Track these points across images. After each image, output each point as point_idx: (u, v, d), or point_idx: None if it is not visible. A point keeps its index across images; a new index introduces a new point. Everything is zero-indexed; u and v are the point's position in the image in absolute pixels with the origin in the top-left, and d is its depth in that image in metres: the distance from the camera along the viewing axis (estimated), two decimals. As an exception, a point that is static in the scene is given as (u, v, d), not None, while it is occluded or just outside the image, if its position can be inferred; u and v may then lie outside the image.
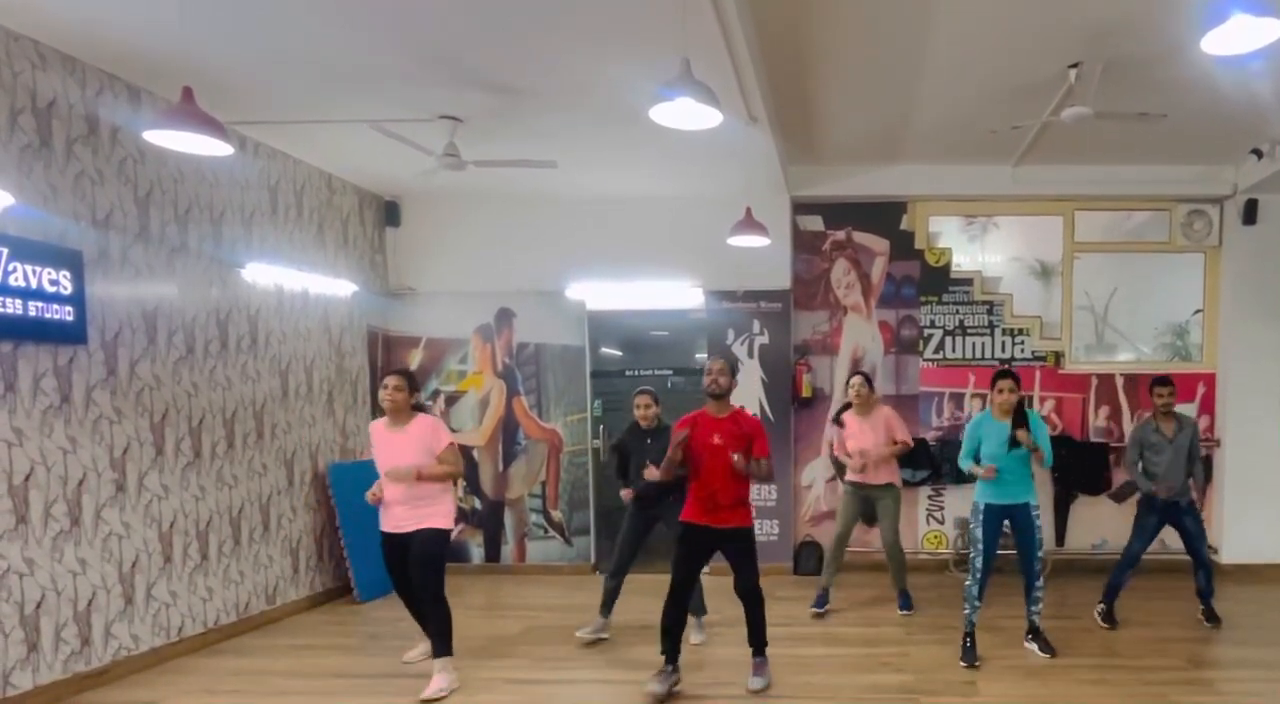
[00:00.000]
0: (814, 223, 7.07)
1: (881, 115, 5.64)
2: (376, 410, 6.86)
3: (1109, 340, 7.17)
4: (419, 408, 4.59)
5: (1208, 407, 7.05)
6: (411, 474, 4.30)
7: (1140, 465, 5.46)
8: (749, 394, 6.78)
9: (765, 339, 6.89)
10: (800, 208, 7.00)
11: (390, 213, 6.94)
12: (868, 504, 5.84)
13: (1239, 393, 6.89)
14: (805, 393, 6.94)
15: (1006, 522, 4.86)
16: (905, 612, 5.86)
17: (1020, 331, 7.07)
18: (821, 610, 5.80)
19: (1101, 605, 5.58)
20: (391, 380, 4.39)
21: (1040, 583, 4.93)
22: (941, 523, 7.09)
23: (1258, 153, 6.19)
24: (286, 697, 4.36)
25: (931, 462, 6.91)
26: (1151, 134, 5.75)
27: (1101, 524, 7.05)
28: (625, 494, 5.17)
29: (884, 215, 7.04)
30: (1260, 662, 4.81)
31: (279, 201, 5.77)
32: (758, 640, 4.52)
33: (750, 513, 4.47)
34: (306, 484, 6.04)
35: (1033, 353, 7.08)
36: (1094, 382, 7.06)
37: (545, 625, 5.53)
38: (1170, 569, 6.90)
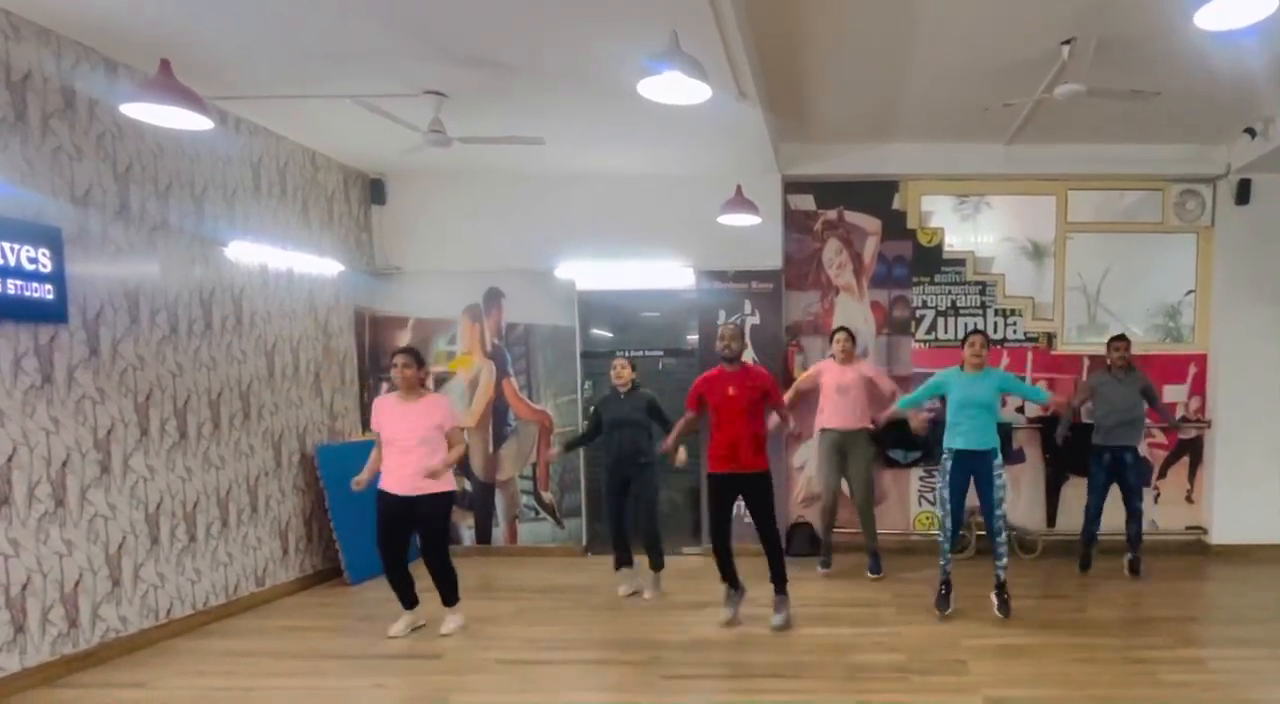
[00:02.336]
0: (805, 202, 7.02)
1: (873, 92, 5.58)
2: (365, 391, 6.86)
3: (1101, 321, 7.15)
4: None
5: (1199, 388, 7.05)
6: (439, 473, 4.74)
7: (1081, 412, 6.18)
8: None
9: (756, 320, 6.85)
10: (791, 186, 6.94)
11: (376, 190, 6.86)
12: (841, 453, 6.10)
13: (1230, 374, 6.89)
14: (797, 374, 6.91)
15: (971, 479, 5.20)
16: (875, 576, 6.04)
17: (1013, 312, 7.05)
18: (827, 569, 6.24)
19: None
20: (401, 358, 4.75)
21: (1002, 539, 5.17)
22: (934, 503, 7.09)
23: (1251, 132, 6.15)
24: (277, 678, 4.34)
25: (924, 442, 6.90)
26: (1145, 113, 5.71)
27: (1092, 505, 7.07)
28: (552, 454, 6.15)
29: (876, 194, 6.99)
30: (1249, 640, 4.82)
31: (262, 178, 5.69)
32: (778, 579, 5.09)
33: (767, 459, 5.03)
34: (295, 466, 6.01)
35: (1025, 334, 7.06)
36: (1086, 363, 7.04)
37: (537, 607, 5.53)
38: (1159, 549, 6.96)
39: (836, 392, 6.10)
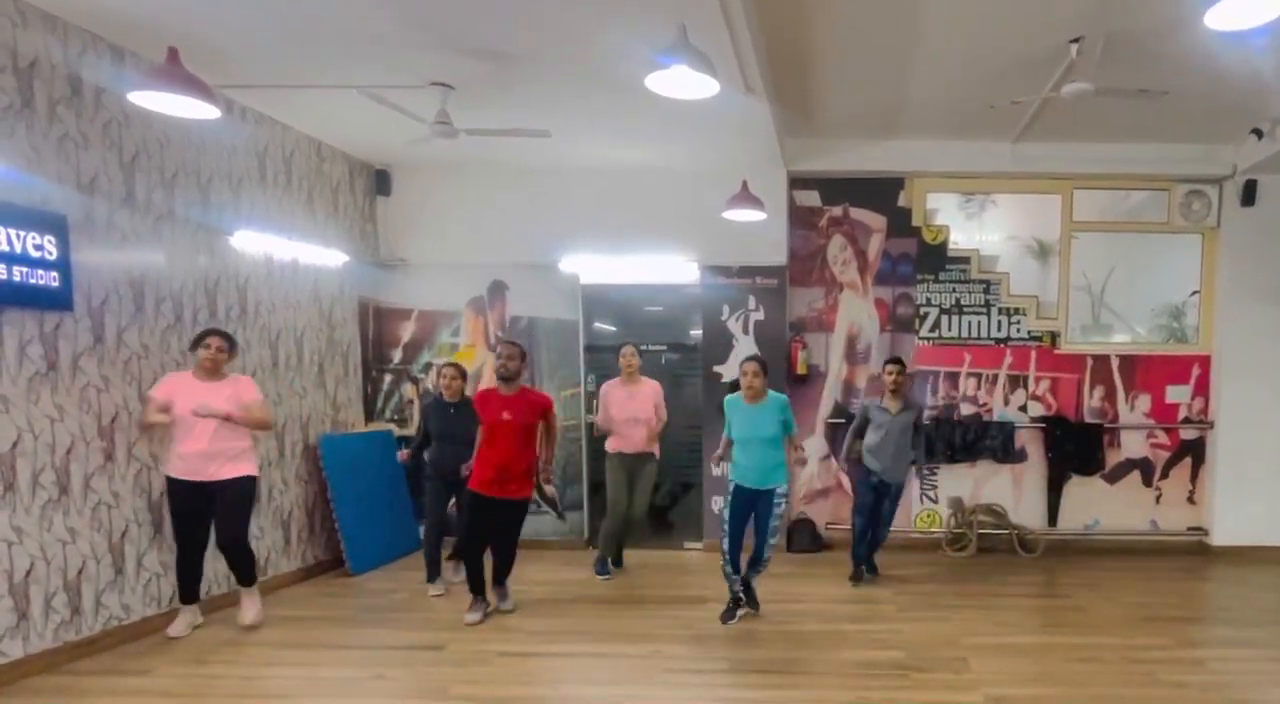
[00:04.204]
0: (811, 198, 7.01)
1: (880, 89, 5.57)
2: (369, 383, 6.86)
3: (1105, 321, 7.14)
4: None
5: (1202, 388, 7.04)
6: (221, 413, 4.54)
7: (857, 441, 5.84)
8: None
9: (760, 315, 6.85)
10: (797, 182, 6.93)
11: (381, 182, 6.84)
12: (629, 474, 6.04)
13: (1234, 375, 6.89)
14: (800, 370, 6.91)
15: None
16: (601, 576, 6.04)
17: (1017, 311, 7.04)
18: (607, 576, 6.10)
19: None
20: (215, 340, 4.63)
21: (762, 568, 5.10)
22: (935, 502, 7.10)
23: (1258, 133, 6.13)
24: (278, 667, 4.35)
25: (924, 441, 6.89)
26: (1151, 113, 5.70)
27: (1094, 505, 7.08)
28: (402, 455, 5.83)
29: (881, 191, 6.98)
30: (1249, 641, 4.83)
31: (267, 168, 5.68)
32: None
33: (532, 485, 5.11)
34: (298, 456, 6.01)
35: (1029, 333, 7.05)
36: (1089, 362, 7.04)
37: (537, 600, 5.54)
38: (1161, 551, 6.97)
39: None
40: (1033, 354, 7.04)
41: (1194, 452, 7.08)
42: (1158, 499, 7.10)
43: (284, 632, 4.87)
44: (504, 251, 6.83)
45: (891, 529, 6.08)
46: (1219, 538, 6.95)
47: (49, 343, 4.17)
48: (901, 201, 7.00)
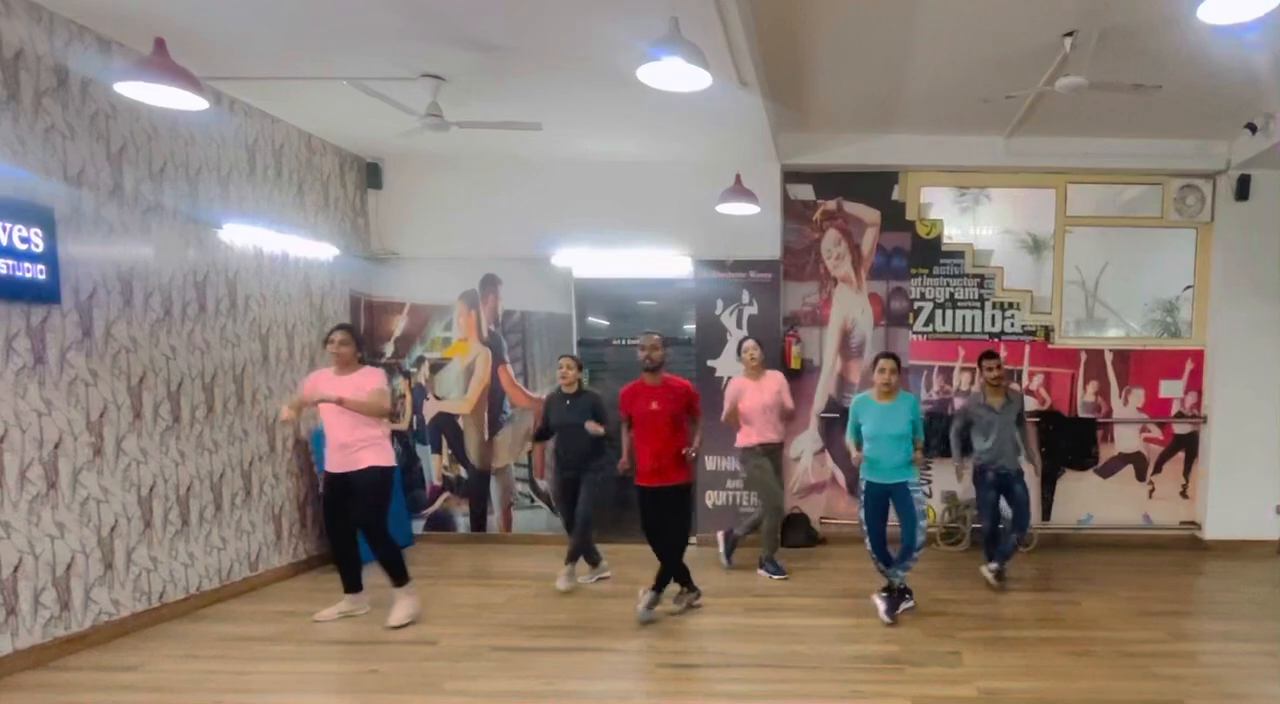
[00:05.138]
0: (804, 192, 6.99)
1: (874, 82, 5.55)
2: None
3: (1099, 316, 7.15)
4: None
5: (1195, 383, 7.05)
6: (332, 397, 4.64)
7: (962, 440, 5.79)
8: (736, 365, 6.73)
9: (754, 310, 6.83)
10: (790, 176, 6.91)
11: (372, 175, 6.81)
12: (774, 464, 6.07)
13: (1227, 370, 6.90)
14: (794, 364, 6.89)
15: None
16: (775, 577, 5.99)
17: (1011, 305, 7.04)
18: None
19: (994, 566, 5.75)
20: (339, 335, 4.75)
21: (915, 558, 5.05)
22: (929, 497, 7.09)
23: (1251, 127, 6.13)
24: (270, 662, 4.33)
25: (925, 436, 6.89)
26: (1145, 107, 5.69)
27: (1088, 499, 7.09)
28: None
29: (875, 185, 6.97)
30: (1241, 635, 4.84)
31: (257, 161, 5.64)
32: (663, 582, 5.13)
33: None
34: (289, 450, 5.98)
35: (1023, 327, 7.05)
36: (1083, 357, 7.05)
37: (531, 594, 5.52)
38: (1155, 545, 6.98)
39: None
40: (1026, 349, 7.04)
41: (1187, 446, 7.09)
42: (1151, 494, 7.11)
43: (276, 626, 4.85)
44: (496, 245, 6.80)
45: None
46: (1211, 532, 6.97)
47: (36, 336, 4.14)
48: (895, 196, 6.98)
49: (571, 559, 5.65)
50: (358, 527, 4.87)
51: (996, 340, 6.98)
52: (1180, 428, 7.08)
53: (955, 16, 4.50)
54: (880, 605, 5.00)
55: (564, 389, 5.60)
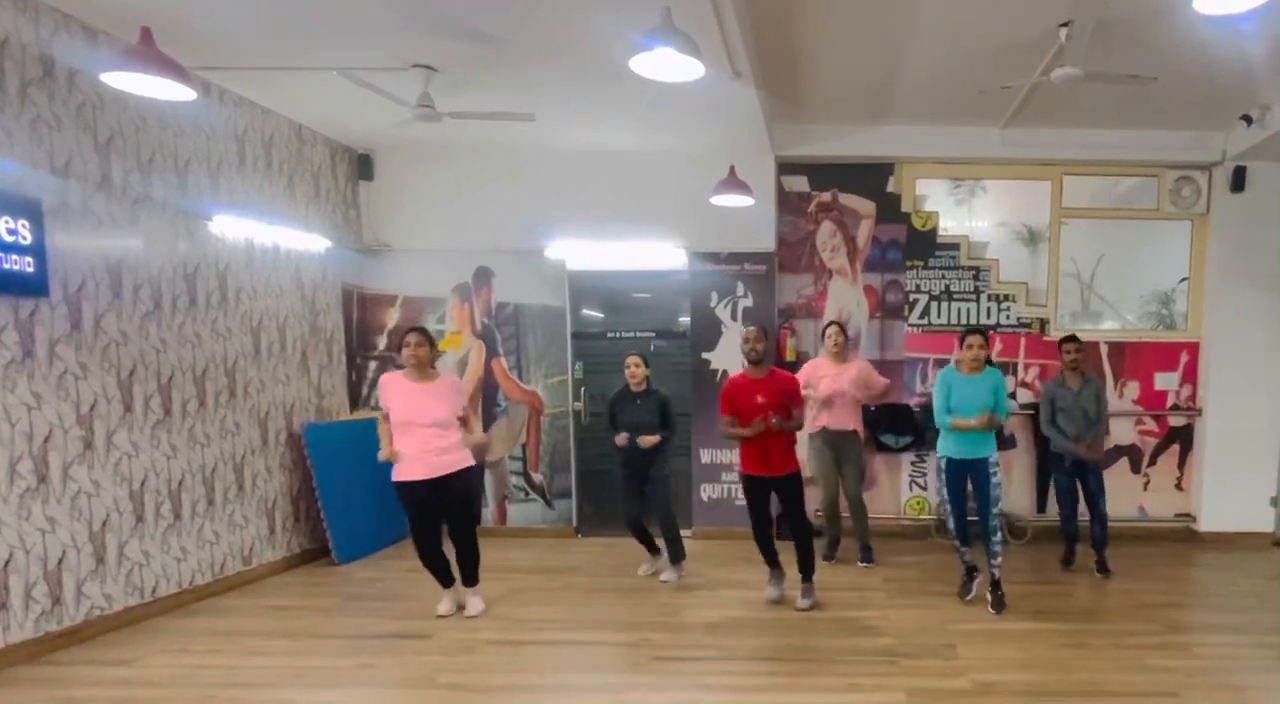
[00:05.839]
0: (799, 184, 6.96)
1: (869, 73, 5.51)
2: (352, 370, 6.80)
3: (1094, 308, 7.14)
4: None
5: (1190, 375, 7.05)
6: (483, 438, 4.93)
7: (1054, 422, 5.84)
8: (731, 357, 6.72)
9: (749, 302, 6.81)
10: (785, 168, 6.88)
11: (363, 166, 6.75)
12: (836, 452, 6.05)
13: (1222, 362, 6.89)
14: (789, 356, 6.87)
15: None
16: (865, 564, 6.06)
17: (1006, 297, 7.02)
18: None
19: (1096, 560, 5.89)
20: (413, 337, 4.65)
21: (998, 538, 5.07)
22: (924, 489, 7.09)
23: (1247, 119, 6.11)
24: (263, 657, 4.32)
25: (915, 427, 6.90)
26: (1141, 98, 5.67)
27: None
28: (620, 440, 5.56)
29: (870, 177, 6.94)
30: (1235, 627, 4.84)
31: (246, 152, 5.59)
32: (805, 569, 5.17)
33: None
34: (281, 444, 5.95)
35: (1018, 319, 7.04)
36: (1078, 349, 7.03)
37: (526, 588, 5.51)
38: (1151, 537, 6.99)
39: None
40: (1022, 341, 7.03)
41: (1182, 439, 7.10)
42: (1146, 486, 7.12)
43: (269, 621, 4.83)
44: (489, 237, 6.77)
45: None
46: (1206, 524, 6.98)
47: (24, 329, 4.10)
48: (891, 187, 6.96)
49: (673, 560, 5.71)
50: (459, 526, 4.90)
51: (992, 332, 6.97)
52: (1175, 420, 7.09)
53: (950, 6, 4.47)
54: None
55: (632, 388, 5.52)
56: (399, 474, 4.69)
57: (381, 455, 4.66)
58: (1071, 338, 5.89)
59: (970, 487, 5.07)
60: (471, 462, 4.87)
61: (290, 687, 3.97)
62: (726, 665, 4.23)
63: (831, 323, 6.15)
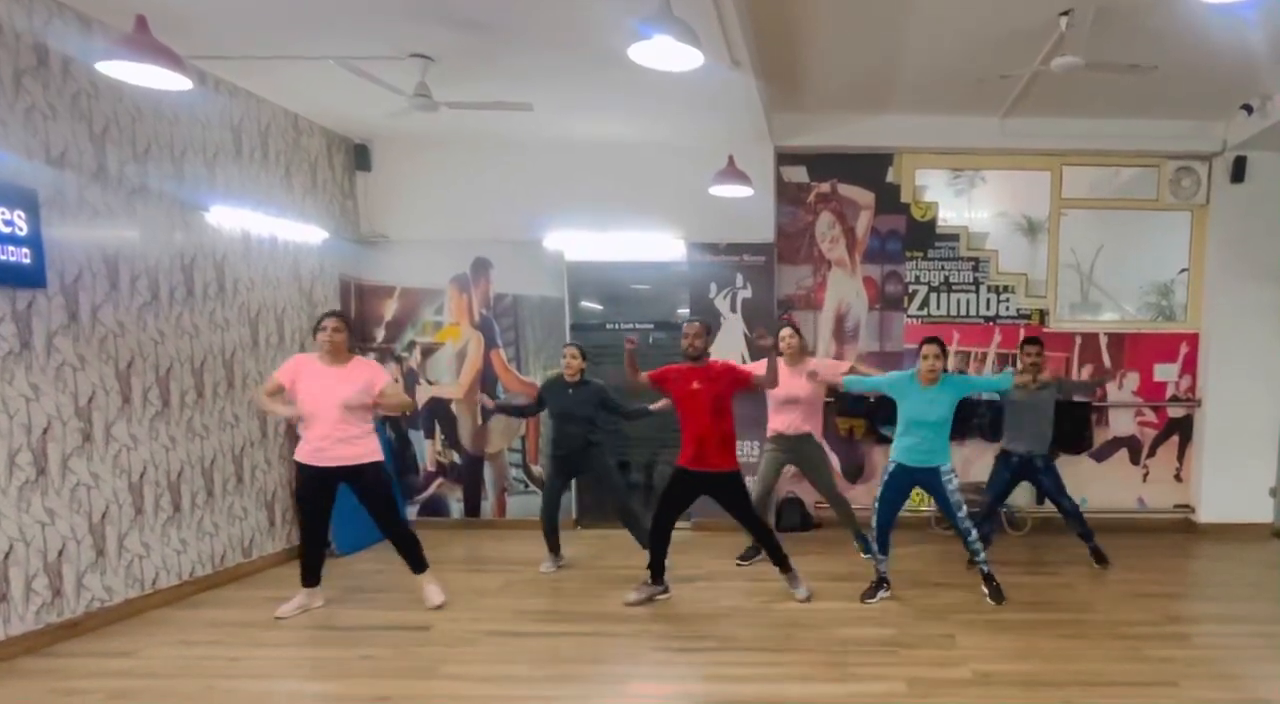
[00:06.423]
0: (798, 174, 6.94)
1: (868, 62, 5.49)
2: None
3: (1094, 299, 7.13)
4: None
5: (1190, 367, 7.05)
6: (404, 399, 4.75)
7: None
8: (731, 348, 6.72)
9: (748, 293, 6.79)
10: (784, 158, 6.85)
11: (360, 156, 6.72)
12: (795, 456, 5.84)
13: (1221, 353, 6.89)
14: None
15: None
16: (867, 555, 5.89)
17: (1006, 289, 7.01)
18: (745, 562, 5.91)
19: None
20: (331, 322, 4.60)
21: (973, 538, 5.01)
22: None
23: (1248, 108, 6.09)
24: (264, 648, 4.31)
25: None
26: (1142, 88, 5.65)
27: (1082, 483, 7.03)
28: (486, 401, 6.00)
29: (870, 167, 6.91)
30: (1233, 617, 4.86)
31: (243, 142, 5.56)
32: (780, 562, 5.13)
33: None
34: (281, 436, 5.94)
35: (1018, 310, 7.03)
36: (1078, 341, 7.03)
37: (525, 580, 5.52)
38: (1147, 528, 7.00)
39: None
40: (1021, 332, 7.01)
41: (1181, 430, 7.10)
42: (1145, 477, 7.12)
43: (270, 612, 4.82)
44: (487, 228, 6.74)
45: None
46: (1205, 515, 6.98)
47: (22, 321, 4.08)
48: (890, 178, 6.93)
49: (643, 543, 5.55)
50: (383, 519, 4.84)
51: (992, 323, 6.96)
52: (1174, 411, 7.09)
53: (951, -6, 4.45)
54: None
55: (567, 377, 5.56)
56: (297, 453, 4.67)
57: (282, 413, 4.63)
58: (1032, 340, 5.78)
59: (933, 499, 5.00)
60: (378, 457, 4.75)
61: (291, 678, 3.98)
62: (726, 656, 4.23)
63: (785, 327, 5.90)
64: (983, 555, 5.08)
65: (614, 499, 5.73)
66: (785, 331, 5.78)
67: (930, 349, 4.85)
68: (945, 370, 4.94)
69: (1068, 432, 6.95)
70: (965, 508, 4.97)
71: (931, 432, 4.87)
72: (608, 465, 5.68)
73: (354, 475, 4.69)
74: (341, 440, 4.60)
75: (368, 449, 4.71)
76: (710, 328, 5.05)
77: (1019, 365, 5.80)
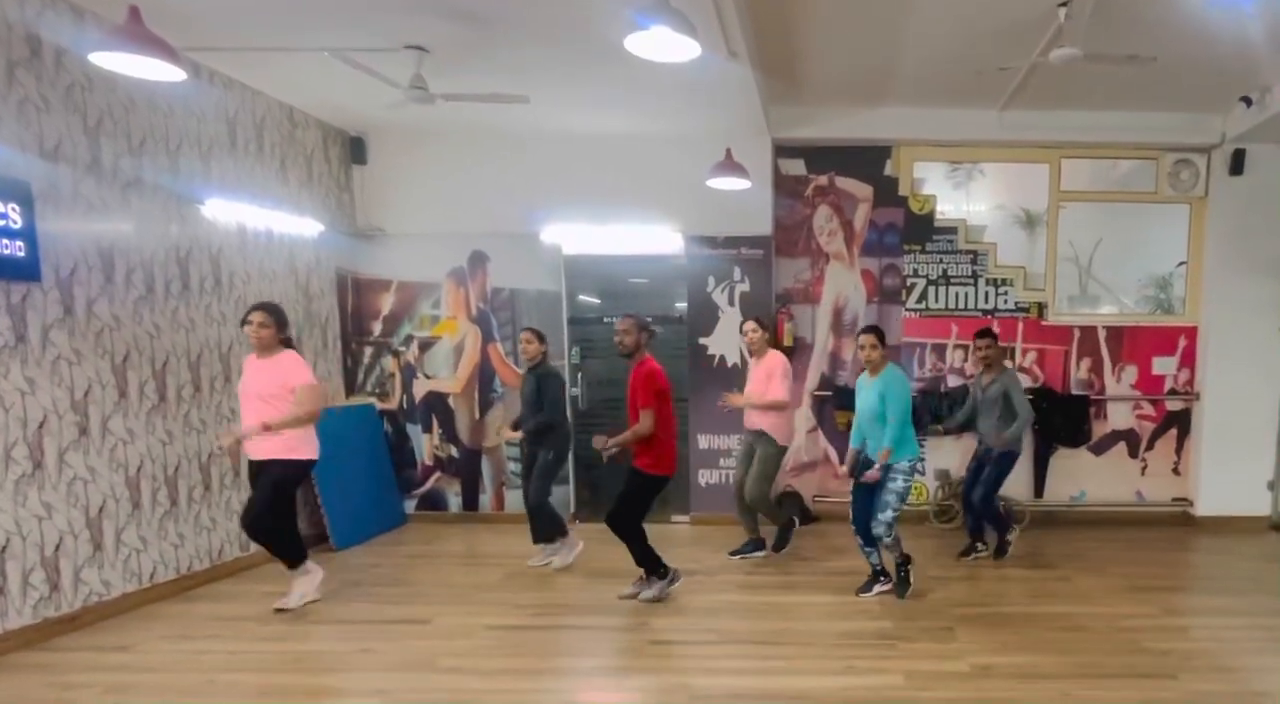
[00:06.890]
0: (796, 167, 6.91)
1: (866, 54, 5.47)
2: (348, 356, 6.78)
3: (1092, 292, 7.12)
4: (287, 343, 4.72)
5: (1188, 360, 7.04)
6: (256, 430, 4.45)
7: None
8: (729, 342, 6.71)
9: (746, 286, 6.78)
10: (782, 151, 6.83)
11: (356, 149, 6.69)
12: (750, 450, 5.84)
13: (1220, 346, 6.88)
14: (787, 342, 6.85)
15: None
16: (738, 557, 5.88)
17: (1004, 282, 7.00)
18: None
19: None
20: (256, 316, 4.49)
21: (877, 537, 4.91)
22: (922, 475, 7.09)
23: (1247, 101, 6.08)
24: (262, 643, 4.31)
25: (912, 412, 6.87)
26: (1140, 80, 5.63)
27: (1080, 476, 7.10)
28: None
29: (868, 160, 6.89)
30: (1232, 610, 4.87)
31: (238, 135, 5.53)
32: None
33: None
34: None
35: (1016, 304, 7.02)
36: (1076, 334, 7.03)
37: (524, 573, 5.52)
38: (1146, 522, 7.01)
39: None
40: (1020, 325, 7.02)
41: (1180, 423, 7.10)
42: (1143, 470, 7.13)
43: (268, 606, 4.81)
44: (484, 221, 6.72)
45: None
46: (1203, 508, 6.99)
47: (17, 314, 4.07)
48: (888, 171, 6.92)
49: (540, 540, 5.69)
50: (249, 512, 4.65)
51: (990, 316, 6.95)
52: (1173, 404, 7.09)
53: (950, -15, 4.43)
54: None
55: (525, 362, 5.62)
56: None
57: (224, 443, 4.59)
58: (984, 333, 5.75)
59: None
60: (289, 455, 4.57)
61: (289, 672, 3.96)
62: (725, 649, 4.23)
63: (748, 320, 5.87)
64: (876, 557, 4.99)
65: (533, 487, 5.58)
66: (748, 325, 5.77)
67: (865, 339, 4.86)
68: (898, 362, 4.95)
69: (1066, 425, 6.98)
70: (893, 514, 4.82)
71: (865, 421, 4.92)
72: (543, 455, 5.58)
73: (262, 469, 4.60)
74: (258, 434, 4.51)
75: (279, 446, 4.54)
76: (644, 326, 4.79)
77: (969, 358, 5.79)
